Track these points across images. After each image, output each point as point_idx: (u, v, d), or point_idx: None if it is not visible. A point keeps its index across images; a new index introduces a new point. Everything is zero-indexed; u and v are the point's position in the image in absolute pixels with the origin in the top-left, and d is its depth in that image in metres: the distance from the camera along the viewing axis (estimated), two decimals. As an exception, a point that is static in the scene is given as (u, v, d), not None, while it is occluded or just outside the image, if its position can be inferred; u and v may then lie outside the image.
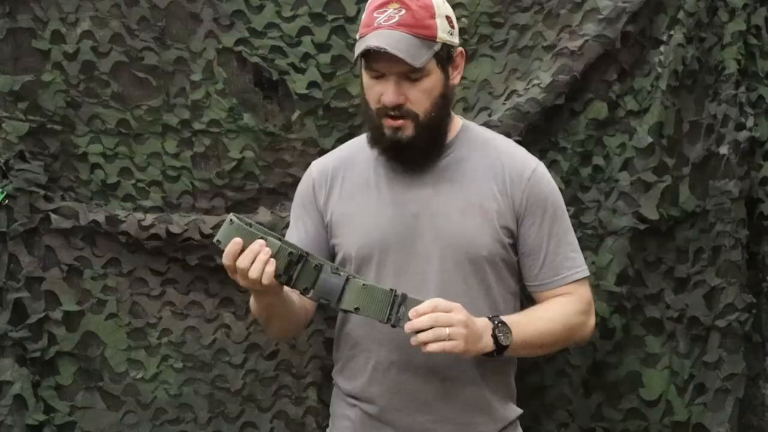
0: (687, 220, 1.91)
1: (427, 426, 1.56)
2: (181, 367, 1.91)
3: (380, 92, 1.49)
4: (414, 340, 1.38)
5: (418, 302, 1.40)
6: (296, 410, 1.93)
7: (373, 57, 1.47)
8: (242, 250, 1.40)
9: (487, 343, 1.45)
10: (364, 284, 1.41)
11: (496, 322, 1.47)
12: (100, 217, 1.86)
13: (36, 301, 1.87)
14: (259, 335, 1.91)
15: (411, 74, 1.47)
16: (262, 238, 1.39)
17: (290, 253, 1.40)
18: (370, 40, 1.45)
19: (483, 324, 1.45)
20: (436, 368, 1.54)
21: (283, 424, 1.93)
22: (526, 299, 1.66)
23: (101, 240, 1.89)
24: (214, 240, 1.41)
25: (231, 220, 1.40)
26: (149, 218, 1.87)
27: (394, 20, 1.46)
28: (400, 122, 1.50)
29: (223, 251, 1.41)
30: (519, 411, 1.65)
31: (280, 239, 1.44)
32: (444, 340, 1.37)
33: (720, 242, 1.88)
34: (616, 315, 1.89)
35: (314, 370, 1.92)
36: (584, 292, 1.62)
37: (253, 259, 1.38)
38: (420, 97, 1.49)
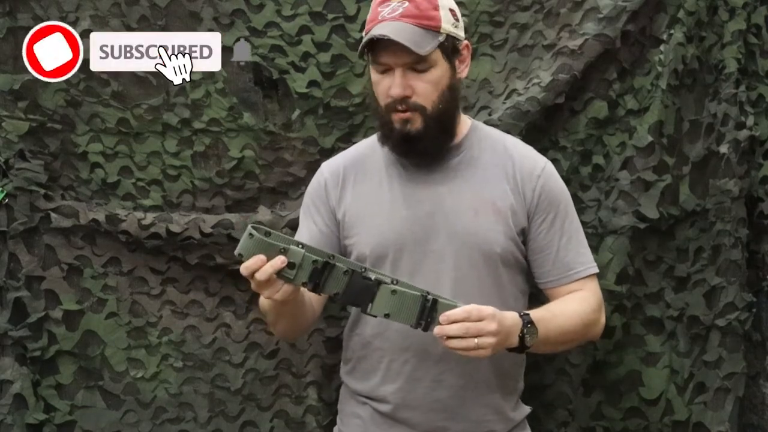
0: (687, 219, 1.91)
1: (440, 424, 1.56)
2: (181, 366, 1.91)
3: (388, 86, 1.50)
4: (442, 342, 1.38)
5: (449, 306, 1.38)
6: (296, 409, 1.93)
7: (379, 50, 1.47)
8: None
9: (512, 342, 1.44)
10: (393, 290, 1.38)
11: (525, 321, 1.45)
12: (100, 216, 1.87)
13: (36, 300, 1.87)
14: (260, 334, 1.91)
15: (417, 65, 1.48)
16: (284, 249, 1.36)
17: (314, 261, 1.37)
18: (374, 31, 1.46)
19: (512, 322, 1.43)
20: (450, 367, 1.54)
21: (283, 423, 1.93)
22: (534, 298, 1.66)
23: (101, 239, 1.89)
24: (236, 253, 1.38)
25: (250, 233, 1.37)
26: (149, 217, 1.87)
27: (397, 12, 1.47)
28: (408, 114, 1.50)
29: (230, 244, 1.40)
30: (528, 410, 1.66)
31: (302, 244, 1.41)
32: (471, 349, 1.36)
33: (720, 241, 1.89)
34: (617, 314, 1.89)
35: (314, 369, 1.92)
36: (595, 288, 1.62)
37: (273, 273, 1.35)
38: (427, 89, 1.50)
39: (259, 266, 1.35)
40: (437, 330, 1.36)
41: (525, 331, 1.44)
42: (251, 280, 1.37)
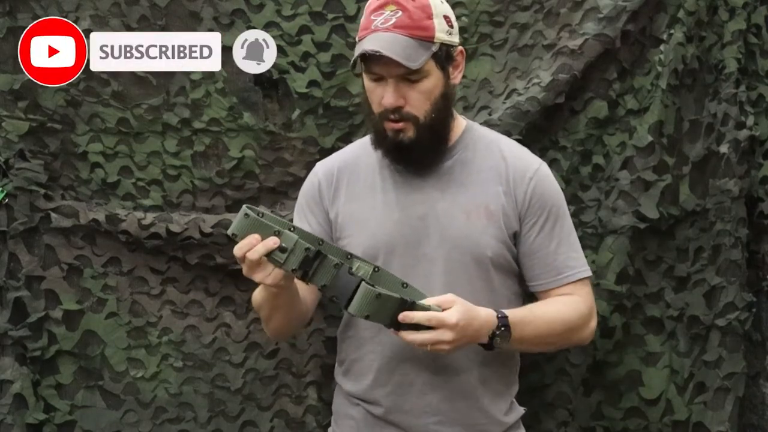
0: (687, 219, 1.91)
1: (432, 427, 1.56)
2: (181, 366, 1.91)
3: (381, 95, 1.49)
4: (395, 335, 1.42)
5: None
6: (296, 409, 1.93)
7: (372, 60, 1.47)
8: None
9: (480, 339, 1.46)
10: (378, 294, 1.37)
11: (500, 324, 1.46)
12: (100, 216, 1.87)
13: (36, 300, 1.87)
14: (260, 334, 1.91)
15: (410, 76, 1.47)
16: (278, 232, 1.37)
17: (307, 248, 1.37)
18: (366, 43, 1.45)
19: (483, 324, 1.44)
20: (441, 370, 1.54)
21: (283, 423, 1.93)
22: (528, 299, 1.65)
23: (101, 239, 1.89)
24: (229, 232, 1.39)
25: (246, 213, 1.38)
26: (149, 217, 1.87)
27: (390, 22, 1.46)
28: (400, 125, 1.50)
29: (230, 244, 1.40)
30: (522, 411, 1.65)
31: (293, 227, 1.43)
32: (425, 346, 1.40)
33: (720, 241, 1.89)
34: (616, 314, 1.89)
35: (314, 369, 1.92)
36: (586, 293, 1.61)
37: (264, 253, 1.36)
38: (419, 99, 1.49)
39: (252, 246, 1.36)
40: (401, 334, 1.39)
41: (497, 333, 1.45)
42: (242, 264, 1.38)
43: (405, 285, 1.49)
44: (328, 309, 1.89)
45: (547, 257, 1.58)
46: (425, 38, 1.47)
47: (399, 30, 1.45)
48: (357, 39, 1.51)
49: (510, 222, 1.57)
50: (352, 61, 1.49)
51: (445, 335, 1.39)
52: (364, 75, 1.52)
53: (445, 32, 1.50)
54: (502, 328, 1.46)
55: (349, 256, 1.49)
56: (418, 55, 1.45)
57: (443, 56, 1.50)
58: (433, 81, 1.50)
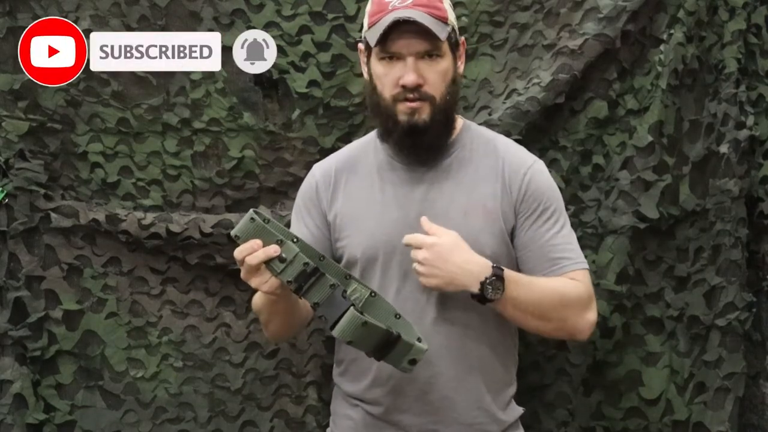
0: (687, 219, 1.91)
1: (431, 427, 1.56)
2: (181, 366, 1.91)
3: (397, 76, 1.50)
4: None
5: (408, 345, 1.40)
6: (296, 409, 1.93)
7: (391, 38, 1.48)
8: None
9: (469, 285, 1.45)
10: (364, 322, 1.38)
11: (492, 273, 1.45)
12: (101, 216, 1.87)
13: (36, 300, 1.87)
14: (259, 334, 1.91)
15: (429, 54, 1.49)
16: (280, 241, 1.37)
17: (306, 263, 1.37)
18: (395, 14, 1.46)
19: (475, 263, 1.46)
20: (440, 371, 1.55)
21: (283, 423, 1.93)
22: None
23: (101, 239, 1.89)
24: (232, 234, 1.39)
25: (252, 218, 1.38)
26: (149, 217, 1.87)
27: (408, 1, 1.49)
28: (417, 104, 1.50)
29: (230, 244, 1.41)
30: (521, 410, 1.65)
31: (297, 239, 1.43)
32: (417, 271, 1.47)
33: (720, 241, 1.89)
34: (616, 314, 1.89)
35: (314, 369, 1.92)
36: (586, 283, 1.58)
37: (264, 260, 1.37)
38: (436, 79, 1.51)
39: (253, 250, 1.37)
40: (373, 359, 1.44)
41: (487, 281, 1.45)
42: (241, 267, 1.39)
43: (398, 316, 1.48)
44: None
45: (542, 248, 1.57)
46: (441, 18, 1.50)
47: (419, 8, 1.48)
48: (368, 26, 1.52)
49: (507, 219, 1.57)
50: (378, 37, 1.47)
51: (418, 253, 1.46)
52: (375, 60, 1.52)
53: (453, 17, 1.54)
54: (494, 278, 1.45)
55: (347, 277, 1.48)
56: (440, 29, 1.49)
57: (454, 40, 1.54)
58: (447, 62, 1.53)
